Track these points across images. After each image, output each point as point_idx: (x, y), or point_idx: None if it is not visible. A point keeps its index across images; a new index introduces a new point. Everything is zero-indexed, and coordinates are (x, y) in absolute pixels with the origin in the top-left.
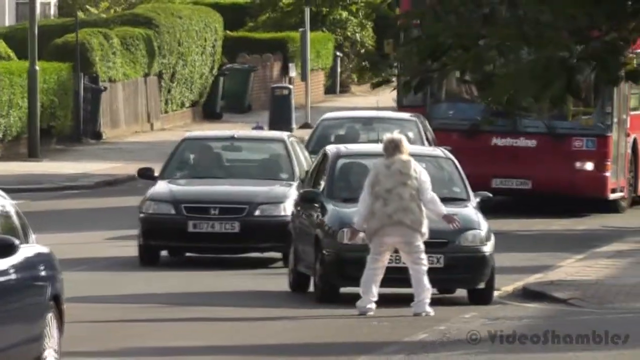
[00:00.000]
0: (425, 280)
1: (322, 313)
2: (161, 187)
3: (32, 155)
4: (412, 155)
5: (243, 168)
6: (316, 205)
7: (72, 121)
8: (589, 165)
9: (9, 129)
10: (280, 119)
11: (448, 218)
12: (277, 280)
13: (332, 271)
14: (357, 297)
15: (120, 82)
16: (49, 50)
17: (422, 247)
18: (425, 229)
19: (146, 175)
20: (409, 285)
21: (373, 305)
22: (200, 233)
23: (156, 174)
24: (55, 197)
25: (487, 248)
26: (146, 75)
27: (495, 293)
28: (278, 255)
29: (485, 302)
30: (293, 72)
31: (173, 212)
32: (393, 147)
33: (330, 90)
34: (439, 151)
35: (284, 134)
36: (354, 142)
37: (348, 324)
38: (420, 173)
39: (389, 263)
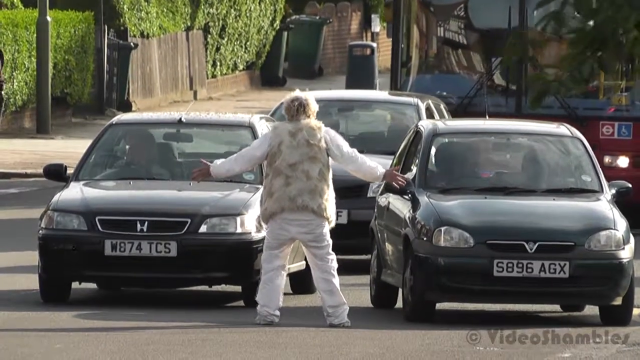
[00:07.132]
0: (337, 282)
1: (414, 334)
2: (71, 192)
3: (42, 130)
4: (527, 134)
5: (192, 165)
6: (405, 196)
7: (92, 87)
8: (623, 161)
9: (12, 97)
10: (359, 86)
11: (389, 175)
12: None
13: (426, 282)
14: (457, 314)
15: (156, 37)
16: None
17: (330, 239)
18: (332, 215)
19: (54, 174)
20: (543, 300)
21: (275, 319)
22: (121, 257)
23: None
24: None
25: (625, 253)
26: (188, 29)
27: (635, 311)
28: (235, 288)
29: (622, 322)
30: (377, 26)
31: (83, 227)
32: (297, 108)
33: None
34: (563, 128)
35: (253, 117)
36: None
37: (445, 349)
38: (332, 140)
39: (518, 273)
